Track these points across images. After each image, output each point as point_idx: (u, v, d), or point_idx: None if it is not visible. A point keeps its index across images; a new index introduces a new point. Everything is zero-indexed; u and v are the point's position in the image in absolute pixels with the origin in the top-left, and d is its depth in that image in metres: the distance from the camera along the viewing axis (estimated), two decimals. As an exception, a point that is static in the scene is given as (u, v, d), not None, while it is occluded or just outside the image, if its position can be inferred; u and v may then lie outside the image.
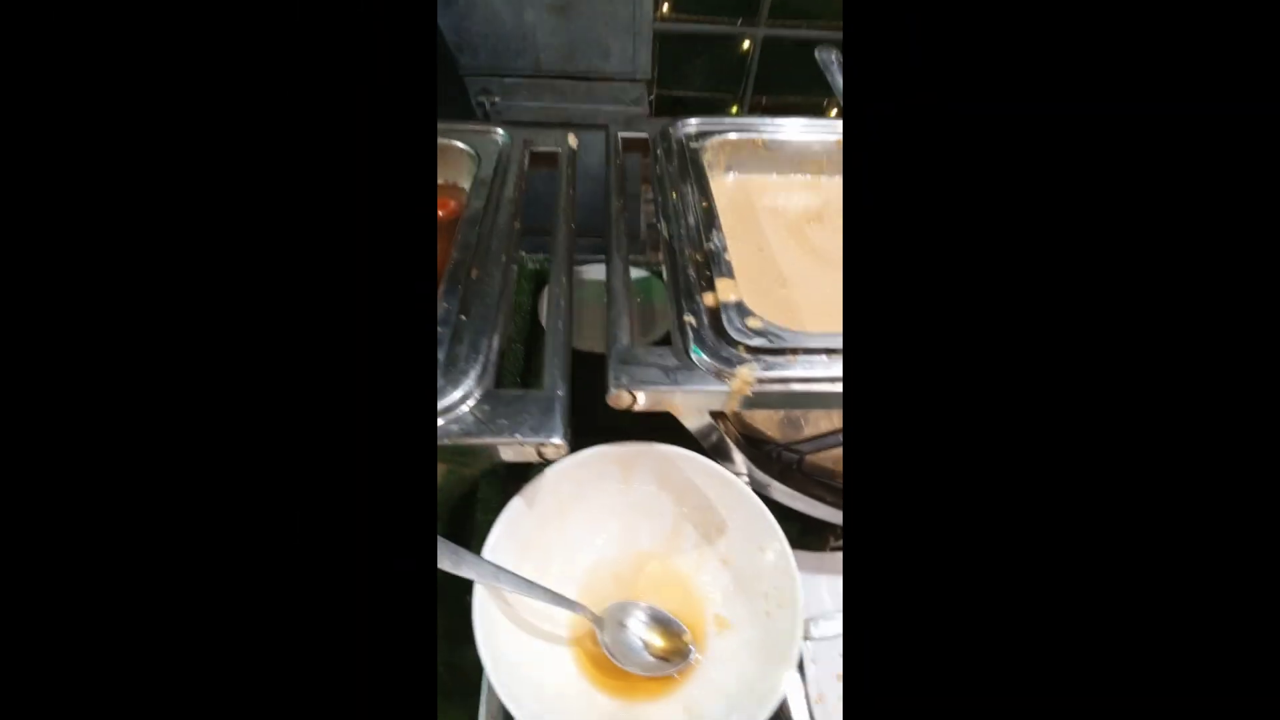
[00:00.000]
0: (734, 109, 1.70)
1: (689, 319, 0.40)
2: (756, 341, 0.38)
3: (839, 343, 0.38)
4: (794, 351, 0.38)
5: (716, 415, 0.43)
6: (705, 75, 1.61)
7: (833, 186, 0.61)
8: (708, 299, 0.41)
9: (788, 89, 1.65)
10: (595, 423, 0.40)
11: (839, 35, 1.53)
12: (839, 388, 0.37)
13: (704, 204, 0.50)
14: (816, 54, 0.65)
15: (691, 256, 0.45)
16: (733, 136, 0.59)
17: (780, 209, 0.58)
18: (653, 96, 1.58)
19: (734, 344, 0.38)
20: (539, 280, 0.74)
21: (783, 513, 0.50)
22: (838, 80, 0.63)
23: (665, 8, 1.52)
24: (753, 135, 0.60)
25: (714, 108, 1.65)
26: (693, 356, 0.38)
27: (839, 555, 0.52)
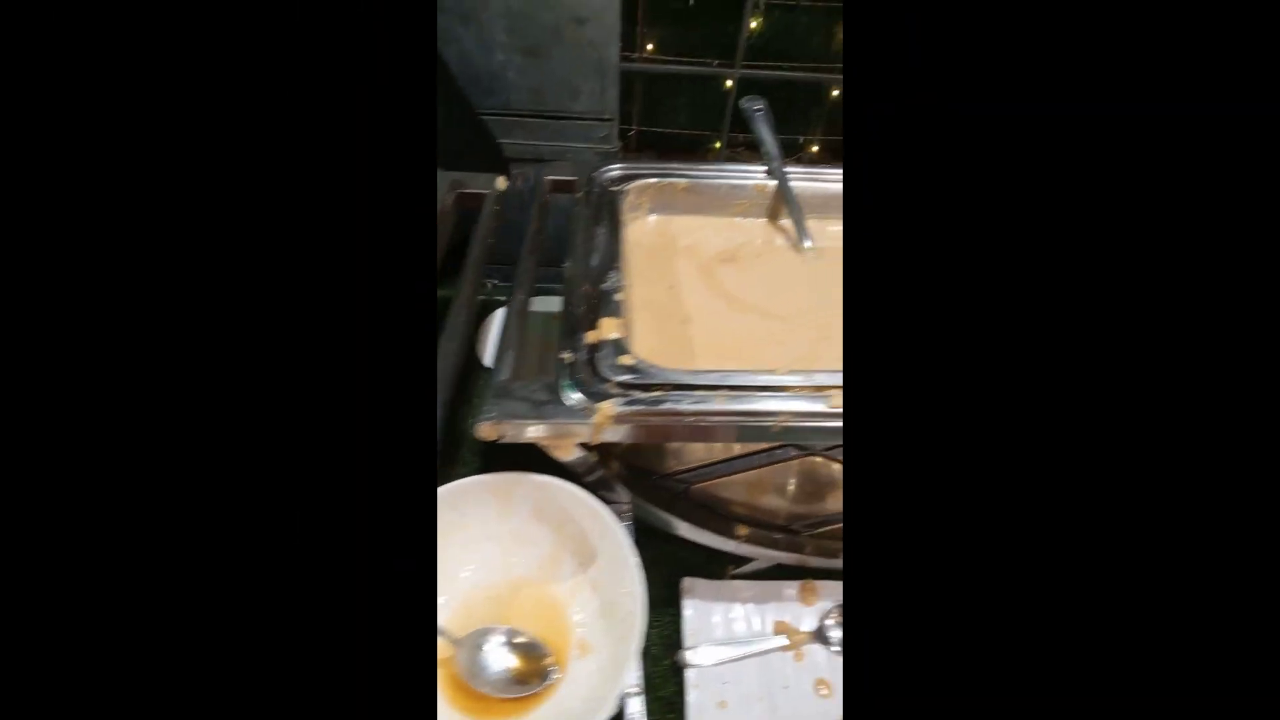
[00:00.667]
0: (717, 144, 1.74)
1: (566, 355, 0.42)
2: (625, 377, 0.40)
3: (708, 379, 0.40)
4: (661, 387, 0.40)
5: (601, 448, 0.45)
6: (688, 113, 1.66)
7: (752, 228, 0.64)
8: (589, 336, 0.44)
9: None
10: (523, 453, 0.42)
11: (816, 76, 1.57)
12: (701, 421, 0.39)
13: (610, 245, 0.52)
14: (741, 105, 0.69)
15: (586, 295, 0.47)
16: (653, 180, 0.62)
17: (696, 249, 0.61)
18: (633, 131, 1.63)
19: (605, 380, 0.41)
20: (482, 311, 0.77)
21: (684, 543, 0.52)
22: (762, 130, 0.66)
23: (649, 47, 1.57)
24: (674, 179, 0.63)
25: (695, 145, 1.70)
26: (562, 392, 0.40)
27: (735, 584, 0.53)
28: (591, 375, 0.41)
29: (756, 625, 0.52)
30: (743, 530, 0.51)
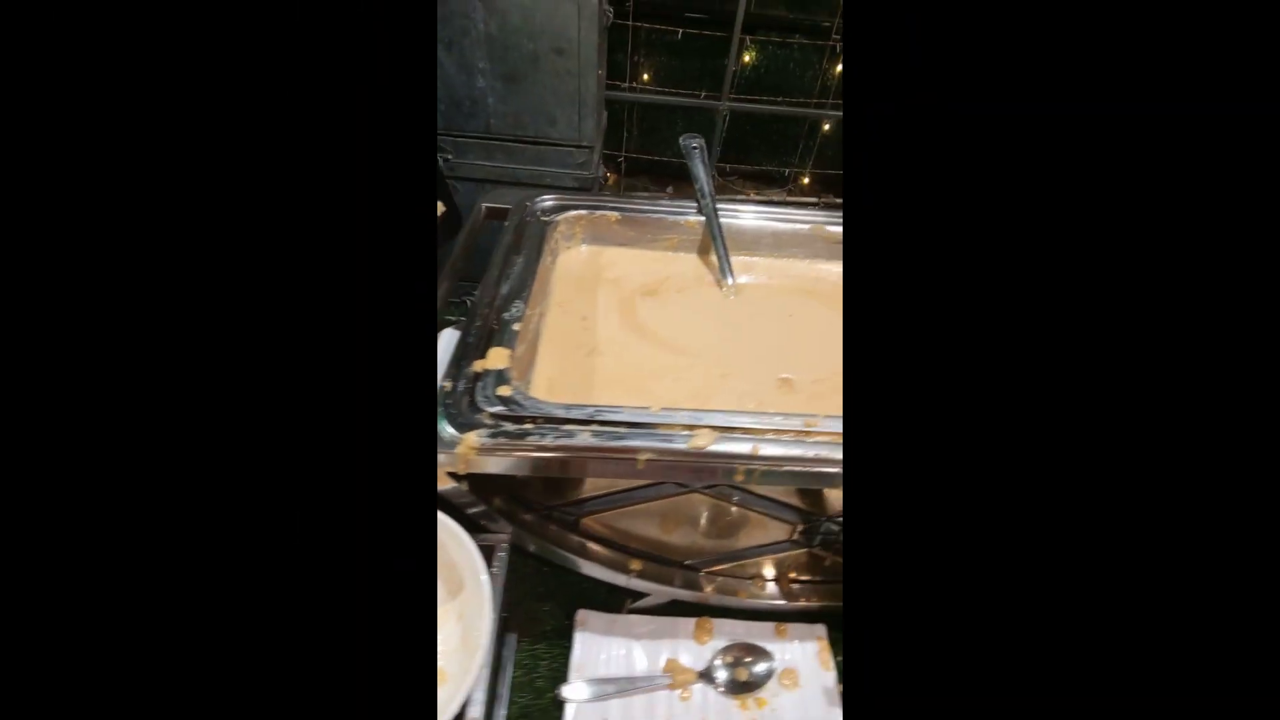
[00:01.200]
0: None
1: (445, 384, 0.43)
2: (497, 409, 0.41)
3: (580, 414, 0.41)
4: (531, 420, 0.41)
5: (475, 479, 0.45)
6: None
7: (681, 263, 0.64)
8: (476, 365, 0.44)
9: (759, 157, 1.72)
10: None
11: (806, 111, 1.59)
12: (564, 456, 0.39)
13: (524, 274, 0.53)
14: (681, 141, 0.70)
15: (484, 324, 0.48)
16: (583, 212, 0.63)
17: (622, 281, 0.61)
18: (622, 158, 1.66)
19: (479, 410, 0.41)
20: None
21: (587, 576, 0.52)
22: (698, 169, 0.67)
23: (645, 77, 1.61)
24: (606, 212, 0.64)
25: (686, 172, 1.72)
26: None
27: (631, 619, 0.53)
28: (467, 405, 0.42)
29: (648, 662, 0.51)
30: (635, 564, 0.51)
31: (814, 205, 1.74)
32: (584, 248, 0.64)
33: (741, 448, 0.40)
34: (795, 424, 0.41)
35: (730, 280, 0.61)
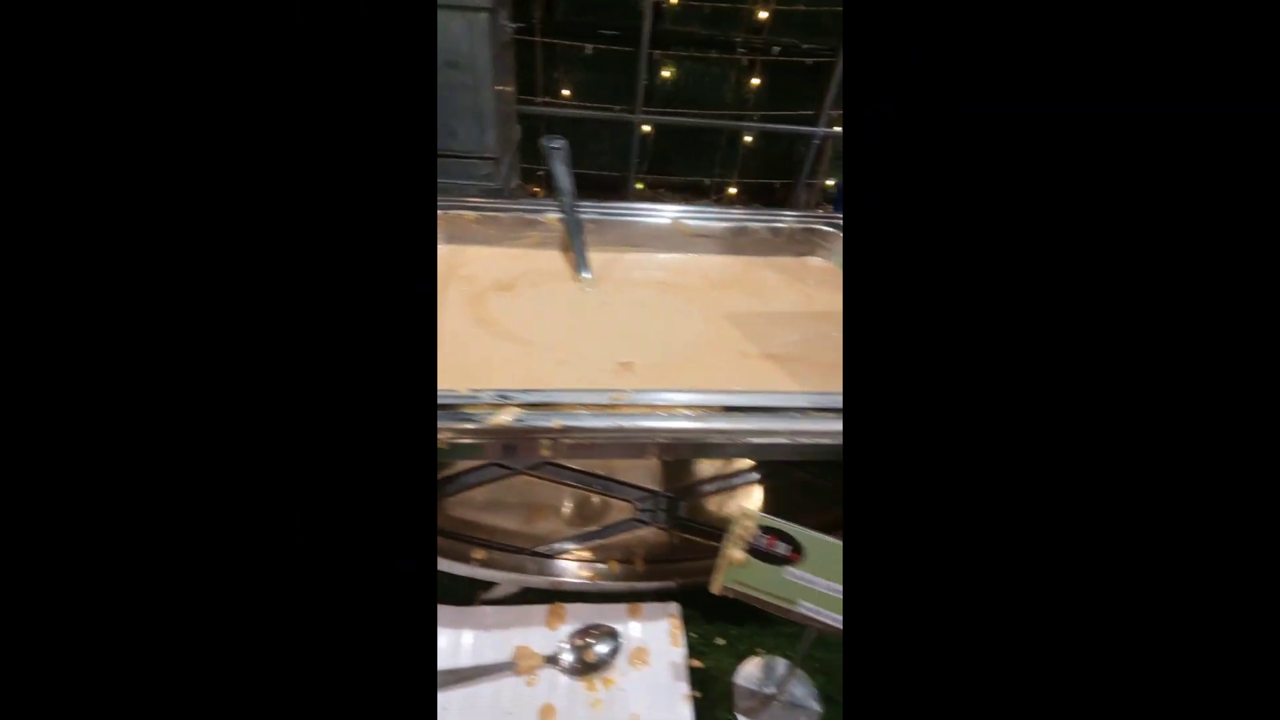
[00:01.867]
0: (639, 185, 1.80)
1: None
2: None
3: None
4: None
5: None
6: (609, 155, 1.72)
7: (540, 257, 0.66)
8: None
9: (683, 169, 1.76)
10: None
11: (723, 124, 1.64)
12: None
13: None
14: (541, 142, 0.71)
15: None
16: (440, 212, 0.64)
17: (475, 278, 0.62)
18: (541, 172, 1.68)
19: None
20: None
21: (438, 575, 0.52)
22: (557, 167, 0.69)
23: (565, 93, 1.64)
24: (462, 211, 0.65)
25: (614, 185, 1.75)
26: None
27: (483, 610, 0.53)
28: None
29: (496, 650, 0.51)
30: (479, 554, 0.51)
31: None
32: (442, 248, 0.65)
33: (544, 422, 0.41)
34: (602, 399, 0.42)
35: (587, 274, 0.63)
